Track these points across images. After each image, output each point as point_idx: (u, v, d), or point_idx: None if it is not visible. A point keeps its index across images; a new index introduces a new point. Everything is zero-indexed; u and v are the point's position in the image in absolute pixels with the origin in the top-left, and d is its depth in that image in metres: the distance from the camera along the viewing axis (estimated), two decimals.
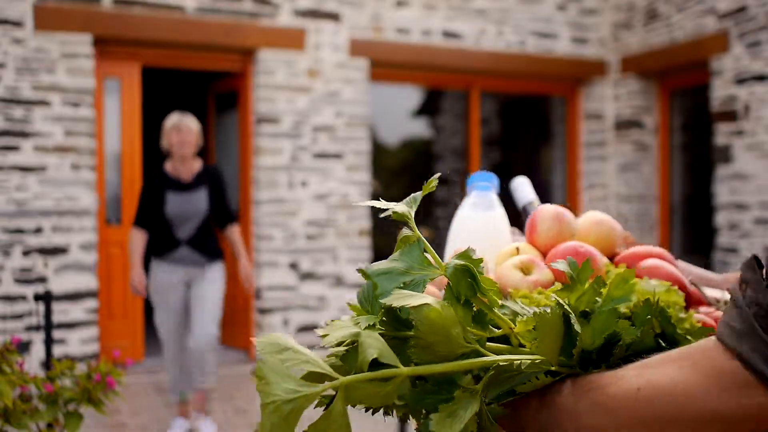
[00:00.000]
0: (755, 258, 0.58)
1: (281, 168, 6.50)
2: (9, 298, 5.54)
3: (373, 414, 0.69)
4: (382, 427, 4.69)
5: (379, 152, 7.62)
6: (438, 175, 0.80)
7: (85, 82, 5.82)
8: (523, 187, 1.22)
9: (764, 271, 0.56)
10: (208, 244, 4.39)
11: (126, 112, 6.26)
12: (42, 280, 5.69)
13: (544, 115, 8.59)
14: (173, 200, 4.30)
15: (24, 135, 5.64)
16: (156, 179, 4.38)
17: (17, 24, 5.62)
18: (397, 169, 8.34)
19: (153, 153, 8.02)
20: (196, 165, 4.44)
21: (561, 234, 1.00)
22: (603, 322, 0.70)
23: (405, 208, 0.76)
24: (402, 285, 0.71)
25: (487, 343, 0.70)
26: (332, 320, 0.69)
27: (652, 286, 0.78)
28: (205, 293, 4.31)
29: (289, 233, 6.49)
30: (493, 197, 1.13)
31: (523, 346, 0.70)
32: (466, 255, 0.71)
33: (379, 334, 0.66)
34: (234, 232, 4.51)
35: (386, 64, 6.99)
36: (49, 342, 2.03)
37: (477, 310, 0.70)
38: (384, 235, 6.91)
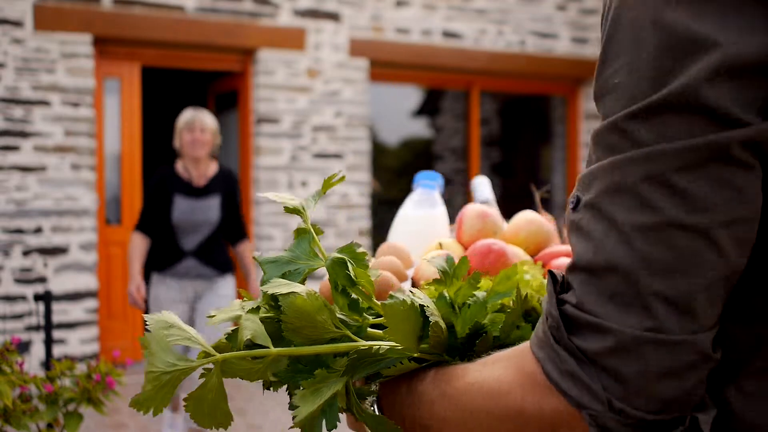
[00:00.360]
0: (550, 272, 0.60)
1: (281, 168, 6.50)
2: (9, 298, 5.54)
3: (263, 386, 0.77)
4: None
5: (379, 152, 7.62)
6: (341, 172, 0.85)
7: (85, 82, 5.82)
8: (482, 187, 1.28)
9: (557, 285, 0.59)
10: (218, 255, 3.88)
11: (126, 112, 6.26)
12: (42, 280, 5.69)
13: (544, 115, 8.59)
14: (182, 206, 3.82)
15: (24, 135, 5.64)
16: (164, 180, 3.88)
17: (17, 24, 5.62)
18: (397, 169, 8.34)
19: (153, 153, 8.01)
20: (211, 168, 3.94)
21: (483, 231, 1.06)
22: (471, 314, 0.75)
23: (298, 202, 0.82)
24: (286, 274, 0.79)
25: (370, 330, 0.76)
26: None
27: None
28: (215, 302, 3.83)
29: (289, 233, 6.49)
30: (436, 196, 1.18)
31: None
32: (347, 249, 0.78)
33: (264, 317, 0.72)
34: (245, 249, 4.00)
35: (386, 64, 6.99)
36: (48, 342, 2.03)
37: (353, 299, 0.76)
38: (384, 235, 6.90)
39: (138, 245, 3.89)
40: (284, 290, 0.72)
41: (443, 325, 0.73)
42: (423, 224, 1.16)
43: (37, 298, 2.09)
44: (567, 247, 1.02)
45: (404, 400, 0.73)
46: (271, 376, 0.74)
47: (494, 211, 1.11)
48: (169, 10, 6.11)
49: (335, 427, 0.72)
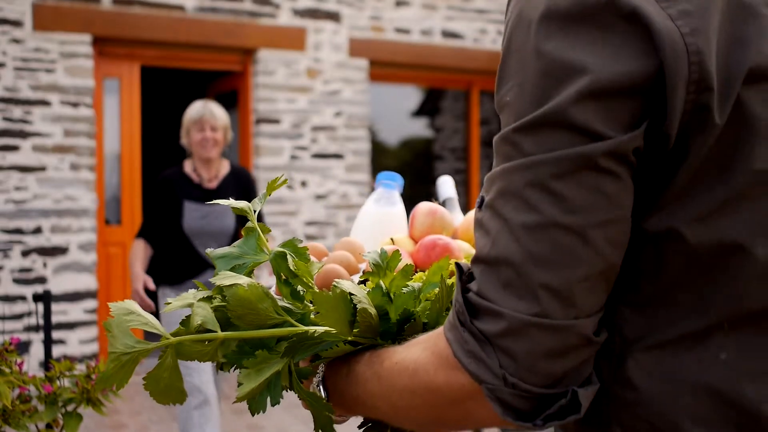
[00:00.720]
0: (456, 264, 0.69)
1: (281, 168, 6.49)
2: (8, 299, 5.53)
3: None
4: None
5: (378, 152, 7.61)
6: (283, 176, 0.95)
7: (85, 82, 5.81)
8: (445, 185, 1.37)
9: (462, 275, 0.67)
10: None
11: (125, 112, 6.25)
12: (41, 280, 5.68)
13: None
14: (192, 212, 3.41)
15: (23, 135, 5.64)
16: (171, 184, 3.44)
17: (16, 23, 5.61)
18: (396, 169, 8.32)
19: (152, 153, 8.01)
20: (223, 167, 3.56)
21: (433, 227, 1.14)
22: (401, 302, 0.84)
23: (244, 204, 0.92)
24: (234, 267, 0.87)
25: (314, 317, 0.83)
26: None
27: None
28: None
29: (288, 233, 6.49)
30: (396, 195, 1.26)
31: None
32: (289, 244, 0.88)
33: (217, 305, 0.81)
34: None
35: (386, 64, 6.99)
36: (48, 342, 2.02)
37: (294, 288, 0.85)
38: None
39: (140, 250, 3.46)
40: (228, 282, 0.80)
41: (372, 311, 0.81)
42: (383, 220, 1.23)
43: (37, 298, 2.09)
44: None
45: (344, 380, 0.81)
46: (221, 357, 0.81)
47: (443, 210, 1.19)
48: (168, 9, 6.11)
49: (278, 402, 0.80)
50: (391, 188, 1.27)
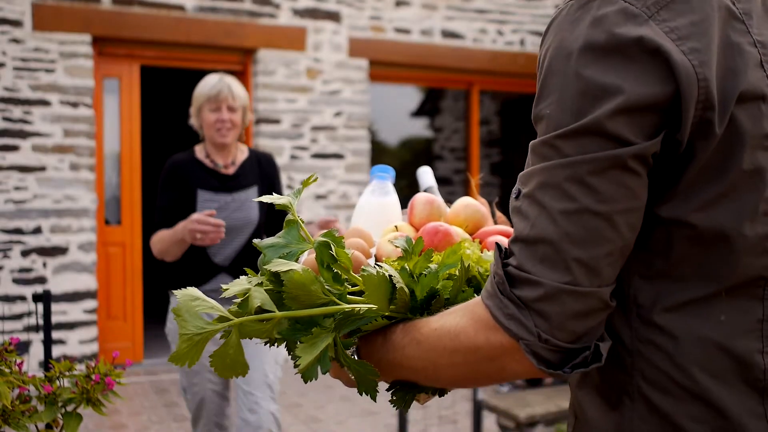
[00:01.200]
0: (497, 244, 0.83)
1: (281, 168, 6.49)
2: (8, 299, 5.53)
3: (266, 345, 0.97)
4: (382, 428, 4.68)
5: (378, 152, 7.61)
6: (315, 175, 1.06)
7: (84, 82, 5.81)
8: (425, 175, 1.47)
9: (501, 252, 0.82)
10: None
11: (125, 112, 6.24)
12: (41, 280, 5.68)
13: None
14: (209, 204, 2.84)
15: (23, 135, 5.63)
16: (181, 171, 2.87)
17: (16, 23, 5.60)
18: (396, 169, 8.32)
19: (152, 153, 8.00)
20: (241, 152, 2.99)
21: (431, 215, 1.26)
22: (427, 282, 0.96)
23: (286, 200, 1.04)
24: (282, 255, 0.98)
25: (349, 296, 0.95)
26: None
27: (489, 256, 1.06)
28: (259, 350, 2.74)
29: None
30: (389, 186, 1.37)
31: None
32: (329, 234, 0.98)
33: (266, 289, 0.92)
34: None
35: (386, 64, 6.98)
36: (47, 342, 2.01)
37: (335, 273, 0.96)
38: None
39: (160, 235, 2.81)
40: (284, 268, 0.91)
41: (407, 290, 0.94)
42: (380, 210, 1.34)
43: (36, 298, 2.08)
44: (499, 227, 1.24)
45: (380, 348, 0.94)
46: (276, 334, 0.92)
47: (439, 199, 1.31)
48: (168, 9, 6.10)
49: (328, 371, 0.91)
50: (384, 180, 1.37)
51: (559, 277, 0.77)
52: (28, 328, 5.17)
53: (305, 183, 1.05)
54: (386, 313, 0.93)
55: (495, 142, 8.88)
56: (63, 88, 5.73)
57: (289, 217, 1.03)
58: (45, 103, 5.70)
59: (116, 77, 6.22)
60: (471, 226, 1.26)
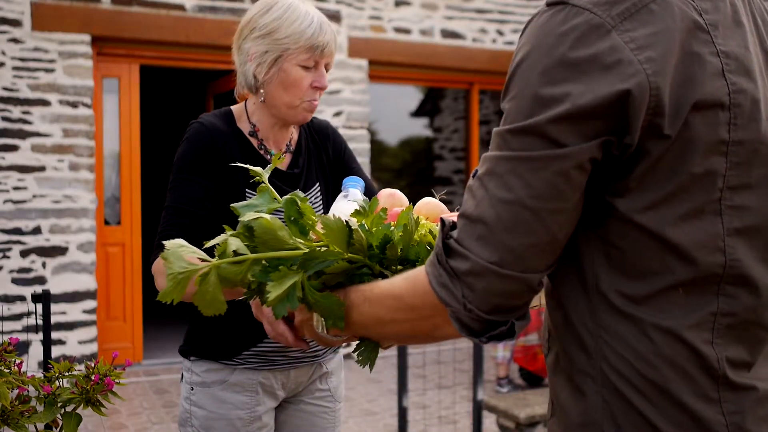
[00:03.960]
0: (441, 218, 0.91)
1: None
2: (7, 299, 5.52)
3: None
4: (382, 428, 4.67)
5: (378, 152, 7.60)
6: (283, 152, 1.25)
7: (84, 82, 5.80)
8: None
9: (445, 227, 0.90)
10: None
11: (125, 112, 6.24)
12: (40, 280, 5.67)
13: None
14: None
15: (22, 135, 5.62)
16: (223, 147, 1.72)
17: (15, 23, 5.60)
18: (396, 169, 8.32)
19: (152, 153, 8.00)
20: (294, 132, 1.89)
21: (393, 204, 1.46)
22: (381, 231, 1.10)
23: (258, 169, 1.21)
24: (254, 212, 1.09)
25: (314, 245, 1.07)
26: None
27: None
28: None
29: None
30: (359, 193, 1.52)
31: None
32: (294, 194, 1.10)
33: (241, 239, 1.05)
34: None
35: (386, 64, 6.98)
36: (47, 343, 2.01)
37: (302, 225, 1.09)
38: None
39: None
40: (255, 216, 1.05)
41: (362, 234, 1.06)
42: (348, 211, 1.49)
43: (36, 298, 2.07)
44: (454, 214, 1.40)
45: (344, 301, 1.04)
46: (250, 276, 1.04)
47: (399, 192, 1.49)
48: (168, 9, 6.10)
49: (295, 307, 1.02)
50: (355, 188, 1.54)
51: (488, 256, 0.85)
52: (28, 329, 5.16)
53: (275, 161, 1.20)
54: (346, 256, 1.05)
55: None
56: (62, 88, 5.73)
57: (262, 185, 1.18)
58: (44, 103, 5.69)
59: (116, 77, 6.21)
60: (431, 219, 1.40)
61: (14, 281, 5.60)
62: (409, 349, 4.24)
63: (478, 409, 3.58)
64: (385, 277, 1.07)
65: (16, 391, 1.45)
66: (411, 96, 8.10)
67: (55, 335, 5.61)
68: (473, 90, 7.66)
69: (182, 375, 1.83)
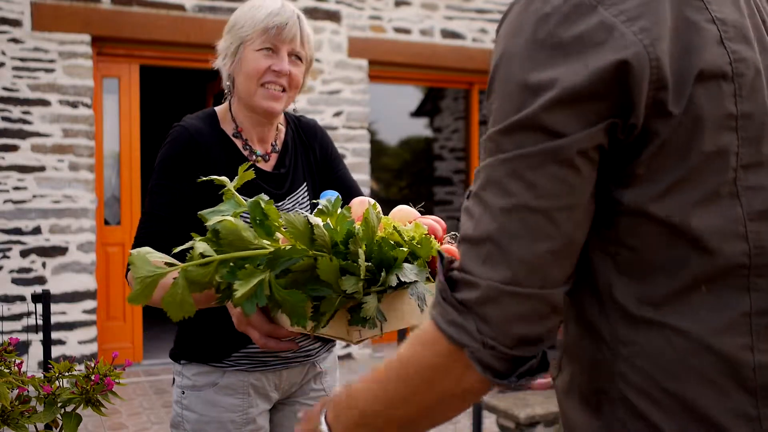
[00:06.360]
0: (438, 252, 0.81)
1: None
2: (7, 299, 5.52)
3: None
4: None
5: (378, 152, 7.60)
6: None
7: (84, 82, 5.80)
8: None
9: (444, 261, 0.79)
10: None
11: (124, 111, 6.24)
12: (40, 280, 5.67)
13: None
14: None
15: (22, 135, 5.62)
16: (206, 151, 1.70)
17: (15, 23, 5.60)
18: (396, 169, 8.32)
19: (152, 153, 8.00)
20: (281, 125, 1.86)
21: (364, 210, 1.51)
22: (344, 226, 1.13)
23: (223, 178, 1.24)
24: (221, 216, 1.13)
25: (280, 245, 1.10)
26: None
27: (414, 224, 1.28)
28: None
29: None
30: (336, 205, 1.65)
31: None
32: (259, 197, 1.13)
33: (209, 243, 1.09)
34: None
35: (386, 64, 6.98)
36: (47, 343, 2.01)
37: (267, 227, 1.12)
38: None
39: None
40: (219, 218, 1.10)
41: (324, 230, 1.10)
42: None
43: (36, 298, 2.07)
44: (430, 217, 1.45)
45: (345, 407, 0.87)
46: (218, 278, 1.07)
47: (371, 200, 1.53)
48: (168, 9, 6.10)
49: (263, 303, 1.05)
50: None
51: (499, 275, 0.73)
52: (28, 329, 5.16)
53: (241, 176, 1.24)
54: (310, 253, 1.07)
55: None
56: (62, 88, 5.73)
57: (226, 189, 1.22)
58: (44, 103, 5.69)
59: (116, 77, 6.21)
60: (402, 222, 1.47)
61: (14, 281, 5.59)
62: None
63: (478, 409, 3.58)
64: (354, 275, 1.08)
65: (16, 391, 1.45)
66: (411, 96, 8.10)
67: (55, 335, 5.61)
68: (473, 90, 7.66)
69: (173, 379, 1.80)
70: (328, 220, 1.15)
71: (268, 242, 1.10)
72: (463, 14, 7.25)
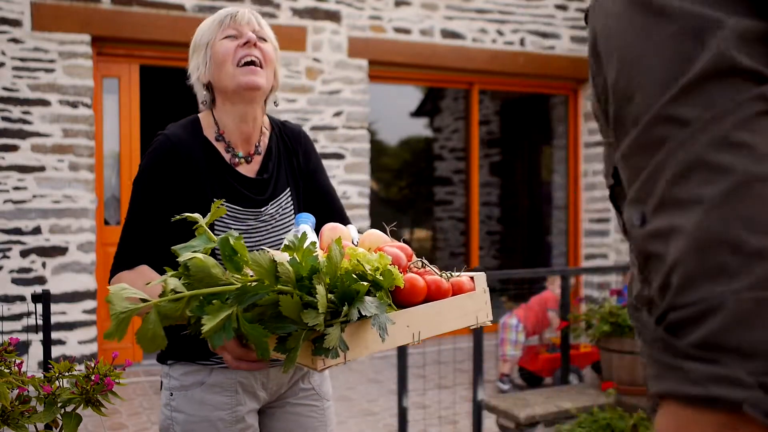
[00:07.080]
0: (636, 296, 0.63)
1: None
2: (7, 299, 5.52)
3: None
4: (382, 428, 4.67)
5: (378, 152, 7.60)
6: (222, 201, 1.44)
7: (84, 82, 5.80)
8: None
9: (640, 308, 0.60)
10: None
11: (124, 112, 6.24)
12: (40, 280, 5.67)
13: (544, 114, 8.58)
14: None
15: (22, 135, 5.62)
16: (187, 158, 1.72)
17: (15, 23, 5.60)
18: (396, 169, 8.32)
19: None
20: (265, 128, 1.86)
21: (334, 238, 1.50)
22: (309, 262, 1.18)
23: (197, 216, 1.31)
24: (192, 252, 1.19)
25: (247, 279, 1.16)
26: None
27: (378, 255, 1.33)
28: None
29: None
30: (308, 227, 1.65)
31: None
32: (228, 234, 1.19)
33: (182, 279, 1.16)
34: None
35: (386, 64, 6.98)
36: (47, 343, 2.01)
37: (236, 262, 1.18)
38: None
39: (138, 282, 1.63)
40: (188, 256, 1.16)
41: (288, 266, 1.15)
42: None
43: (36, 298, 2.07)
44: (396, 245, 1.52)
45: None
46: (188, 312, 1.13)
47: (342, 227, 1.62)
48: (168, 9, 6.10)
49: (231, 337, 1.12)
50: (306, 223, 1.67)
51: (742, 284, 0.51)
52: (28, 329, 5.16)
53: (213, 213, 1.30)
54: (275, 288, 1.13)
55: (495, 142, 8.87)
56: (62, 87, 5.73)
57: (199, 225, 1.29)
58: (44, 102, 5.69)
59: (116, 77, 6.21)
60: (374, 249, 1.51)
61: (14, 281, 5.59)
62: (409, 349, 4.24)
63: (478, 409, 3.58)
64: (314, 307, 1.14)
65: (16, 391, 1.45)
66: (411, 96, 8.10)
67: (55, 335, 5.61)
68: (473, 90, 7.66)
69: (161, 382, 1.79)
70: (295, 255, 1.21)
71: (238, 276, 1.17)
72: (463, 14, 7.25)
